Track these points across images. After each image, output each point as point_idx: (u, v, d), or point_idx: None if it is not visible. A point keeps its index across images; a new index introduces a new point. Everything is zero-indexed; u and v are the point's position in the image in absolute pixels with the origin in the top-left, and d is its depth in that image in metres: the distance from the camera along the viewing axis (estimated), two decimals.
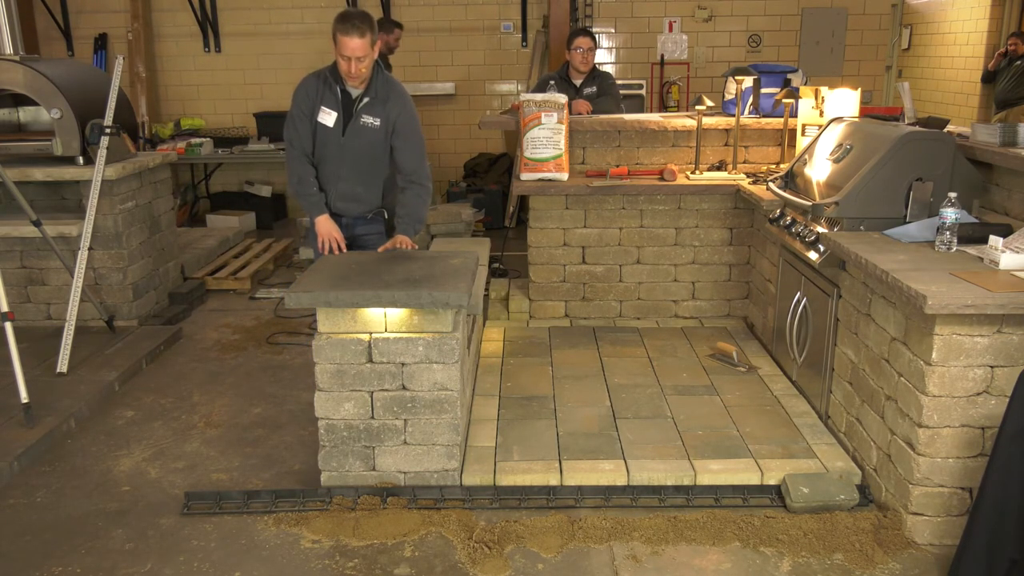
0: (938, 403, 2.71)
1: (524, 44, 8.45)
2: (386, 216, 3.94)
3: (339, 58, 3.51)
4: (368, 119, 3.65)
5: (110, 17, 8.45)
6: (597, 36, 8.39)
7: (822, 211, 3.46)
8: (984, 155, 3.49)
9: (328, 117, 3.66)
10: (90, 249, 4.61)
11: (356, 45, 3.44)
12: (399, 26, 6.51)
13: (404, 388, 3.07)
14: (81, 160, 4.76)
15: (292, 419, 3.90)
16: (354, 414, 3.10)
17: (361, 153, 3.71)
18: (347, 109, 3.66)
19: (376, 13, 8.33)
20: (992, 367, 2.68)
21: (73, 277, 4.52)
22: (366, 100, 3.65)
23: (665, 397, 3.88)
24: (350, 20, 3.43)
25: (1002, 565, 2.43)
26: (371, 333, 3.03)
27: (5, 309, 3.68)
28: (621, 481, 3.19)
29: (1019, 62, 8.07)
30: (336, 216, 3.81)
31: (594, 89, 5.52)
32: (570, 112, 4.78)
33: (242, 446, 3.66)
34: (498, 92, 8.62)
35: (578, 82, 5.52)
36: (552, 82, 5.32)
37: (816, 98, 4.55)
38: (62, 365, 4.25)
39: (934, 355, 2.66)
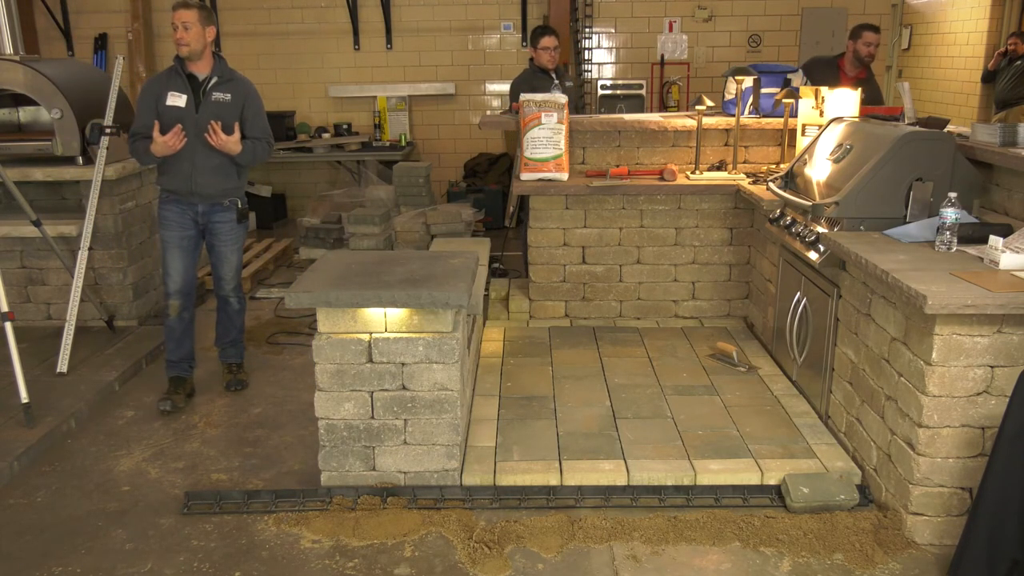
0: (938, 403, 2.71)
1: (524, 44, 8.45)
2: (240, 205, 3.97)
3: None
4: (219, 95, 3.83)
5: (110, 17, 8.45)
6: (597, 36, 8.49)
7: (822, 211, 3.46)
8: (984, 155, 3.50)
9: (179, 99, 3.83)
10: (90, 249, 4.61)
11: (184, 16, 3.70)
12: (871, 29, 5.48)
13: (404, 388, 3.07)
14: (81, 160, 4.75)
15: (292, 419, 3.90)
16: (354, 414, 3.10)
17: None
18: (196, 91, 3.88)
19: (376, 14, 8.34)
20: (992, 367, 2.68)
21: (73, 277, 4.52)
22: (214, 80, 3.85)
23: (665, 397, 3.88)
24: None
25: (1002, 565, 2.43)
26: (371, 333, 3.03)
27: (5, 309, 3.68)
28: (621, 481, 3.19)
29: (1019, 62, 8.05)
30: (192, 200, 3.92)
31: (571, 84, 5.57)
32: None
33: (242, 446, 3.66)
34: (498, 92, 8.61)
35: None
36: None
37: (816, 98, 4.55)
38: (62, 365, 4.25)
39: (934, 355, 2.66)
